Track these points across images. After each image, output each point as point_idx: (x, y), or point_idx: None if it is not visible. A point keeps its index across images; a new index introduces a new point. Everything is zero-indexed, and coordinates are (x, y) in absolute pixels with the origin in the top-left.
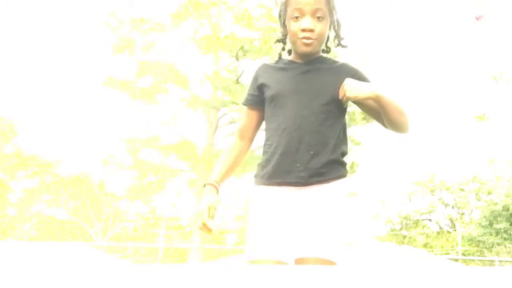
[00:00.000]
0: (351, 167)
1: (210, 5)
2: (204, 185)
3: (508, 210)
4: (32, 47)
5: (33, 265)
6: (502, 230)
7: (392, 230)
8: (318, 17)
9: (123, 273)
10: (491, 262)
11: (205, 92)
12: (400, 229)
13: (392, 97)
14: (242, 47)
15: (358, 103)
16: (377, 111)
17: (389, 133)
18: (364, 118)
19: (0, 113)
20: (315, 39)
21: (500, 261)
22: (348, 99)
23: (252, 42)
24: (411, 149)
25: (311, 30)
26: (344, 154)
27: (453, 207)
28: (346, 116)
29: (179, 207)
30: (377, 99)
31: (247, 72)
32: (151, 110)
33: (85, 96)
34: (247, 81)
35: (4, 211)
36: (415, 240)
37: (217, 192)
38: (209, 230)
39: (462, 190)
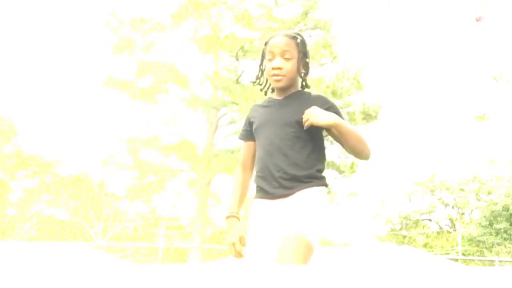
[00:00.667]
0: (351, 167)
1: (210, 5)
2: (227, 217)
3: (508, 210)
4: (32, 47)
5: (33, 265)
6: (502, 230)
7: (392, 230)
8: (286, 58)
9: (123, 273)
10: (491, 262)
11: (205, 92)
12: (400, 229)
13: (352, 128)
14: (242, 47)
15: (327, 128)
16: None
17: (389, 133)
18: (364, 118)
19: (0, 113)
20: (284, 75)
21: (500, 261)
22: (311, 124)
23: (252, 42)
24: (411, 149)
25: (280, 68)
26: (319, 170)
27: (453, 207)
28: (346, 116)
29: (179, 207)
30: (337, 128)
31: (247, 72)
32: (151, 110)
33: (85, 96)
34: (247, 81)
35: (4, 211)
36: (415, 240)
37: (239, 221)
38: (242, 256)
39: (462, 190)
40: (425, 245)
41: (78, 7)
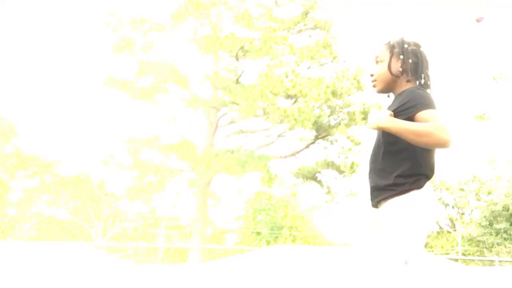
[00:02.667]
0: (351, 167)
1: (210, 5)
2: None
3: (508, 210)
4: (32, 47)
5: (33, 265)
6: (502, 230)
7: None
8: (377, 62)
9: (123, 273)
10: (491, 262)
11: (205, 92)
12: None
13: (404, 125)
14: (242, 47)
15: None
16: None
17: None
18: (364, 118)
19: (0, 113)
20: (375, 80)
21: (500, 261)
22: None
23: (252, 42)
24: None
25: (371, 75)
26: (401, 176)
27: (453, 207)
28: (346, 116)
29: (179, 207)
30: (387, 130)
31: (247, 72)
32: (151, 110)
33: (85, 96)
34: (247, 81)
35: (4, 211)
36: None
37: None
38: None
39: (462, 190)
40: (425, 245)
41: (78, 7)
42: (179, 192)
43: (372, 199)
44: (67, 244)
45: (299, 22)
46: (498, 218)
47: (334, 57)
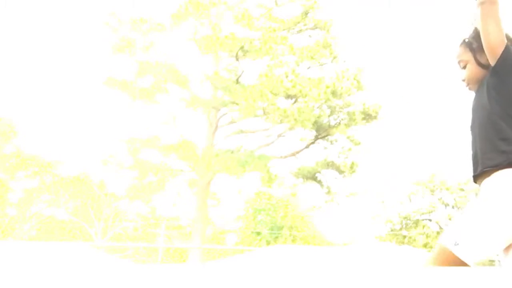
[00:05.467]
0: (351, 167)
1: (210, 5)
2: None
3: None
4: (32, 47)
5: (33, 265)
6: None
7: (392, 230)
8: (463, 67)
9: (123, 273)
10: (491, 262)
11: (205, 92)
12: (400, 229)
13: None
14: (242, 47)
15: None
16: None
17: (389, 133)
18: (364, 118)
19: (0, 113)
20: (468, 84)
21: (500, 261)
22: None
23: (252, 42)
24: (411, 149)
25: (463, 80)
26: (506, 139)
27: (453, 207)
28: (346, 116)
29: (179, 207)
30: None
31: (247, 72)
32: (151, 110)
33: (85, 96)
34: (247, 81)
35: (4, 211)
36: (415, 240)
37: None
38: None
39: (462, 190)
40: (425, 245)
41: (78, 7)
42: (179, 192)
43: (482, 167)
44: (67, 244)
45: (299, 22)
46: None
47: (334, 57)
